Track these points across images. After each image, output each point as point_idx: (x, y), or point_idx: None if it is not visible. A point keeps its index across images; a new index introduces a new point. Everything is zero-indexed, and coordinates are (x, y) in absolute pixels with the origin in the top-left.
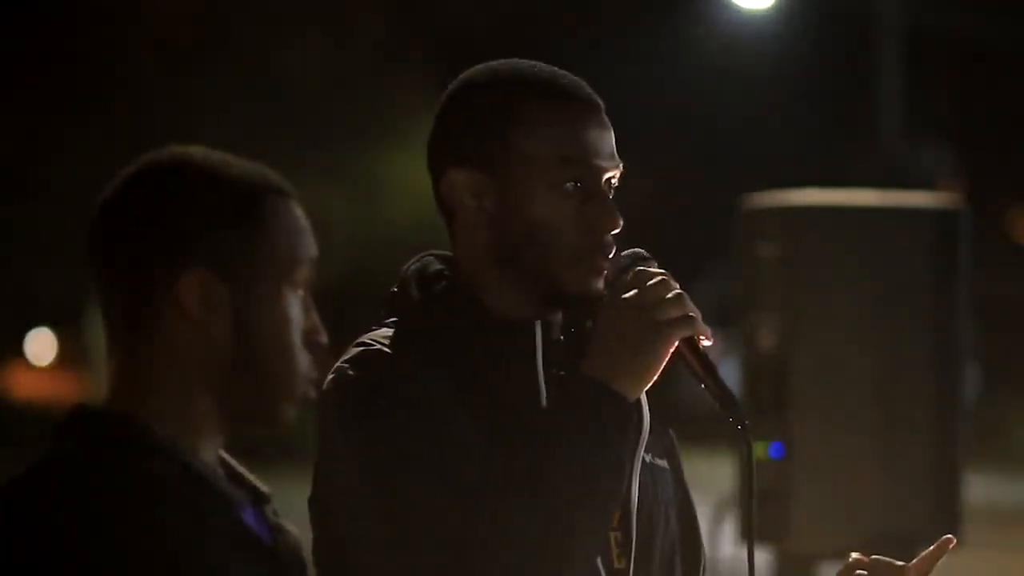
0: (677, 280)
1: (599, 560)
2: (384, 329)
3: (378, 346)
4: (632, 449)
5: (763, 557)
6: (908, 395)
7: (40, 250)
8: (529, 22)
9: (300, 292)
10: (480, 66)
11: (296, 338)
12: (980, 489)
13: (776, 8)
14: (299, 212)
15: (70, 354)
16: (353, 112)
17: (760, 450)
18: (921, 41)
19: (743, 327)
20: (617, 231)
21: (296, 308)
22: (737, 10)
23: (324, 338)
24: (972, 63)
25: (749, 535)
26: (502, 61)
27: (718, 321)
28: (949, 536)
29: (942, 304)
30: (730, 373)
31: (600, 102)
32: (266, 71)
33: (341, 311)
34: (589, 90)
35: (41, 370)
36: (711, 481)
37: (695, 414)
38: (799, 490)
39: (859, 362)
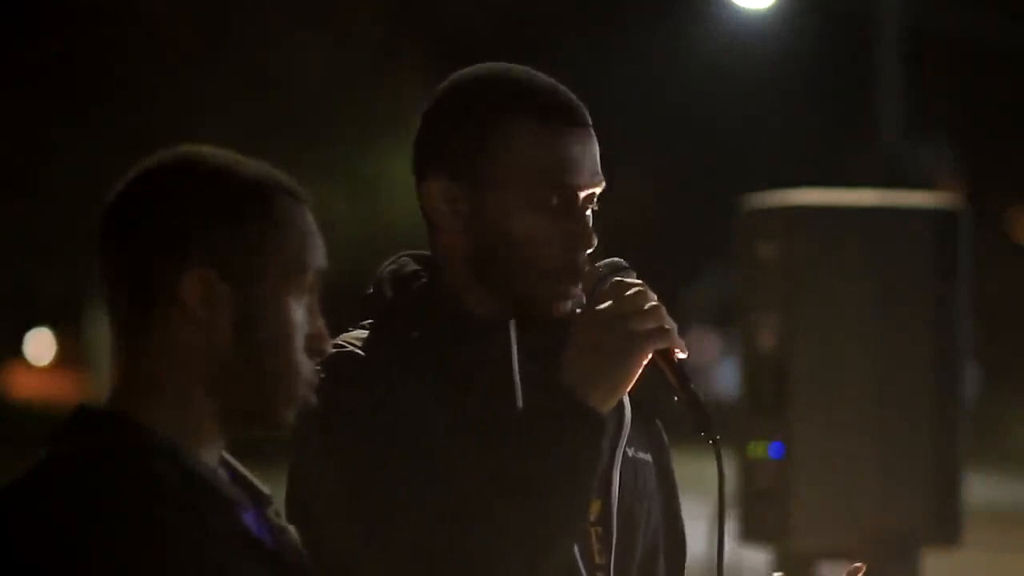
0: (677, 280)
1: (579, 556)
2: (358, 330)
3: (351, 348)
4: (601, 457)
5: (763, 557)
6: (908, 395)
7: (39, 250)
8: (529, 22)
9: (305, 297)
10: (470, 70)
11: (298, 342)
12: (980, 489)
13: (776, 8)
14: (310, 218)
15: (69, 354)
16: (353, 112)
17: (760, 450)
18: (921, 41)
19: (743, 327)
20: (590, 250)
21: (299, 312)
22: (737, 10)
23: (329, 345)
24: (972, 62)
25: (719, 547)
26: (488, 69)
27: (718, 321)
28: (860, 564)
29: (942, 304)
30: (730, 373)
31: (587, 117)
32: (266, 71)
33: (341, 311)
34: (576, 103)
35: (40, 370)
36: (711, 481)
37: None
38: (799, 490)
39: (859, 362)
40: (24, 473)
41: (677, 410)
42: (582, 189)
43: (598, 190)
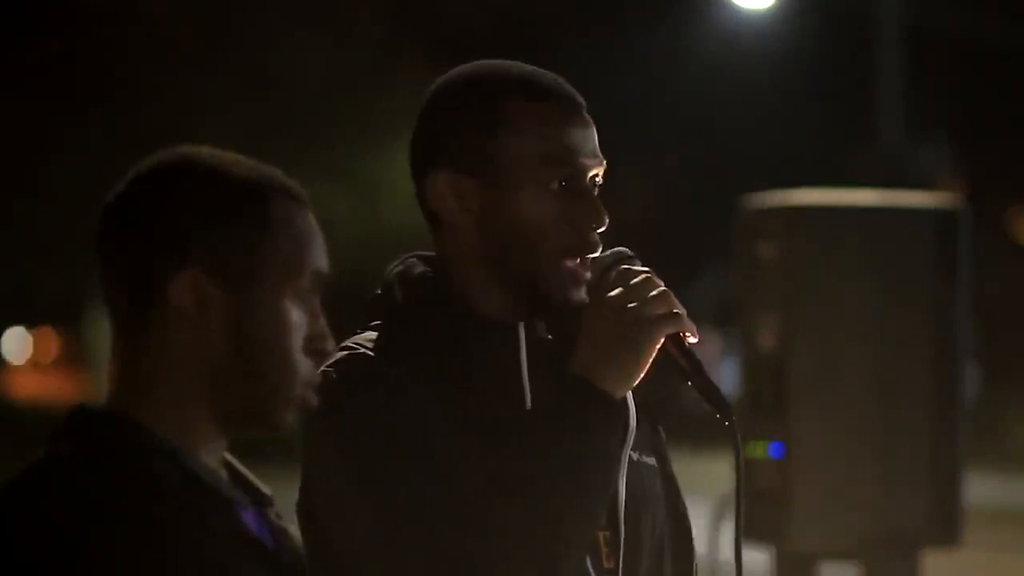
0: (677, 280)
1: (588, 560)
2: (368, 332)
3: (362, 350)
4: (619, 446)
5: (763, 557)
6: (908, 395)
7: (39, 250)
8: (529, 22)
9: (305, 298)
10: (461, 67)
11: (295, 343)
12: (980, 489)
13: (776, 8)
14: (310, 219)
15: (43, 354)
16: (353, 112)
17: (760, 450)
18: (921, 41)
19: (743, 327)
20: (603, 228)
21: (297, 313)
22: (737, 10)
23: (330, 345)
24: (972, 63)
25: (737, 533)
26: (483, 62)
27: (718, 321)
28: None
29: (942, 304)
30: (730, 373)
31: (582, 100)
32: (266, 71)
33: (341, 311)
34: (570, 88)
35: (17, 369)
36: (711, 481)
37: (694, 414)
38: (799, 490)
39: (859, 362)
40: (23, 473)
41: (682, 406)
42: (588, 168)
43: (601, 171)
